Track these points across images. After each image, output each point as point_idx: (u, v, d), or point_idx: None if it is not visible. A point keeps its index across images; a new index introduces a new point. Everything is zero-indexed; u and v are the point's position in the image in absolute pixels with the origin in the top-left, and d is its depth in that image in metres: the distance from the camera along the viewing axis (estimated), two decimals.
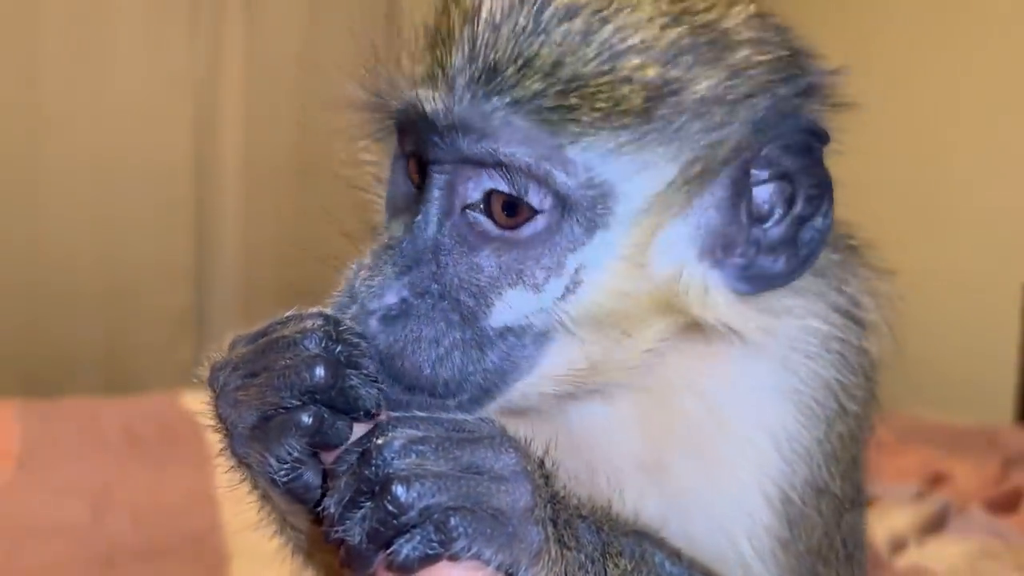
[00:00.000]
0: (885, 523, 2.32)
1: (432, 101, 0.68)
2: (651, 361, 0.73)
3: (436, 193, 0.69)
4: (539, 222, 0.67)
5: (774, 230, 0.71)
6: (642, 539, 0.71)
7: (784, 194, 0.71)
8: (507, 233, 0.68)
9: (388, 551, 0.58)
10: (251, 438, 0.64)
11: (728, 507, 0.77)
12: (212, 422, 0.68)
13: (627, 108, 0.65)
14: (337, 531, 0.59)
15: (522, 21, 0.66)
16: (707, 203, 0.69)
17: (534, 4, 0.67)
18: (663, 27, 0.67)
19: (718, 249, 0.70)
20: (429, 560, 0.58)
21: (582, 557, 0.66)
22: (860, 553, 0.86)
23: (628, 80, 0.65)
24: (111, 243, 3.94)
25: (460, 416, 0.65)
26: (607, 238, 0.67)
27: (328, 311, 0.68)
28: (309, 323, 0.65)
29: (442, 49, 0.69)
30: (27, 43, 3.77)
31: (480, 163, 0.67)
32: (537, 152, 0.65)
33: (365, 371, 0.64)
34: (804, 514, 0.78)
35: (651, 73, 0.65)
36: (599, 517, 0.69)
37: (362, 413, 0.63)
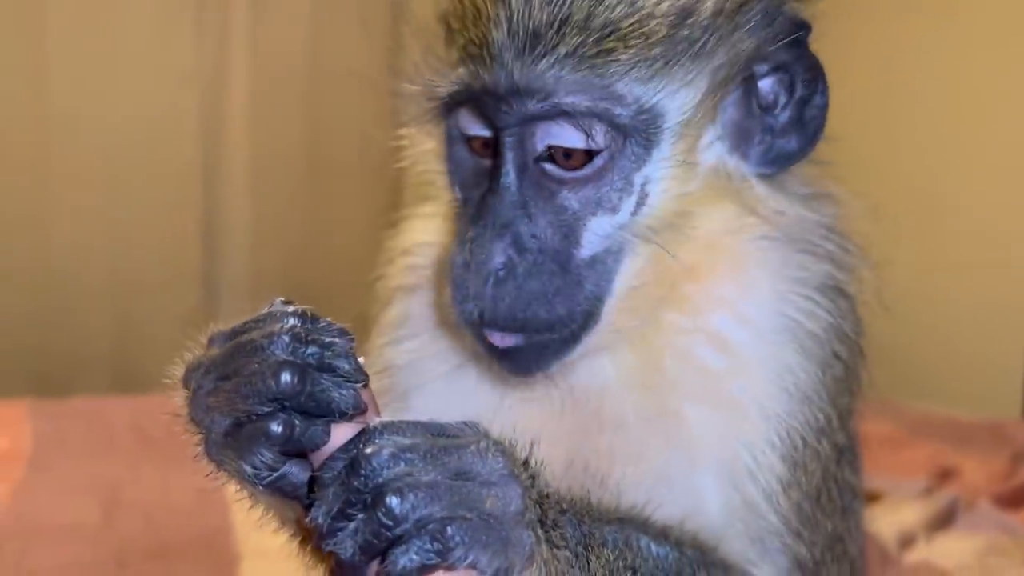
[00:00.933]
0: (894, 518, 2.32)
1: (487, 76, 0.78)
2: (656, 319, 0.82)
3: (509, 154, 0.79)
4: (602, 157, 0.78)
5: (782, 115, 0.83)
6: (625, 525, 0.72)
7: (784, 83, 0.83)
8: (575, 174, 0.78)
9: (383, 562, 0.57)
10: (224, 444, 0.64)
11: (735, 449, 0.80)
12: (187, 424, 0.67)
13: (655, 39, 0.77)
14: (328, 544, 0.58)
15: None
16: (728, 104, 0.82)
17: None
18: None
19: (741, 141, 0.82)
20: (426, 570, 0.58)
21: (568, 553, 0.67)
22: (856, 513, 0.89)
23: (651, 15, 0.77)
24: (120, 243, 3.94)
25: (444, 421, 0.65)
26: (662, 151, 0.79)
27: (304, 308, 0.67)
28: (278, 325, 0.64)
29: (479, 29, 0.79)
30: (35, 43, 3.77)
31: (546, 117, 0.77)
32: (591, 95, 0.77)
33: (339, 372, 0.63)
34: (805, 456, 0.82)
35: (666, 4, 0.77)
36: (580, 509, 0.70)
37: (338, 415, 0.62)
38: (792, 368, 0.83)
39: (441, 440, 0.62)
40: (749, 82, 0.82)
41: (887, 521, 2.29)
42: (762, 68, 0.82)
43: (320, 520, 0.59)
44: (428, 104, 0.85)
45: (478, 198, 0.81)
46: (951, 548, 2.23)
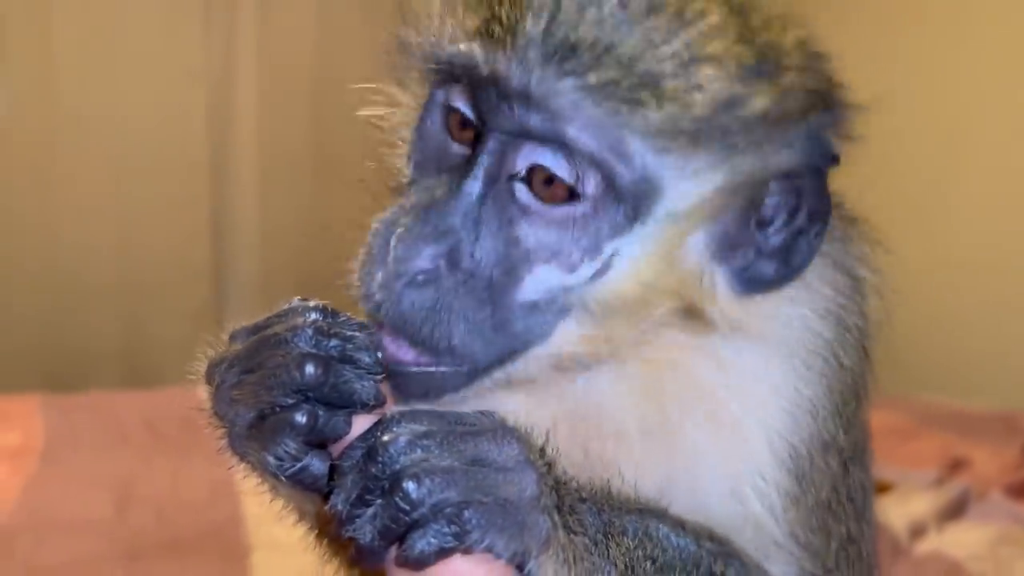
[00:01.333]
0: (905, 509, 2.32)
1: (501, 64, 0.68)
2: (656, 335, 0.76)
3: (487, 160, 0.70)
4: (583, 205, 0.69)
5: (774, 237, 0.74)
6: (645, 515, 0.72)
7: (788, 207, 0.73)
8: (546, 208, 0.69)
9: (401, 546, 0.58)
10: (248, 436, 0.65)
11: (737, 466, 0.78)
12: (211, 418, 0.69)
13: (692, 114, 0.67)
14: (347, 530, 0.59)
15: (609, 6, 0.67)
16: (731, 209, 0.72)
17: None
18: (735, 41, 0.68)
19: (727, 251, 0.73)
20: (443, 554, 0.59)
21: (586, 540, 0.67)
22: (869, 511, 0.87)
23: (699, 88, 0.67)
24: (129, 239, 3.96)
25: (461, 410, 0.65)
26: (646, 231, 0.70)
27: (325, 304, 0.67)
28: (301, 319, 0.65)
29: (514, 10, 0.69)
30: (43, 40, 3.78)
31: (543, 140, 0.69)
32: (602, 140, 0.67)
33: (360, 364, 0.65)
34: (812, 468, 0.79)
35: (721, 85, 0.67)
36: (600, 498, 0.70)
37: (360, 406, 0.64)
38: (794, 383, 0.79)
39: (458, 427, 0.63)
40: (759, 194, 0.73)
41: (898, 512, 2.29)
42: (777, 185, 0.73)
43: (340, 506, 0.60)
44: (420, 63, 0.76)
45: (430, 186, 0.73)
46: (962, 538, 2.23)
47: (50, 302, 3.87)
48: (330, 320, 0.66)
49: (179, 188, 4.00)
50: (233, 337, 0.70)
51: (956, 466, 2.65)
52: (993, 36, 3.21)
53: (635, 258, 0.70)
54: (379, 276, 0.69)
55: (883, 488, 2.36)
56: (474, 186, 0.70)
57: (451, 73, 0.73)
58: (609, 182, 0.68)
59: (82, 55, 3.82)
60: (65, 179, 3.85)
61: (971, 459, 2.68)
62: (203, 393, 0.70)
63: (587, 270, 0.70)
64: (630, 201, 0.68)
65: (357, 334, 0.66)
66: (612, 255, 0.70)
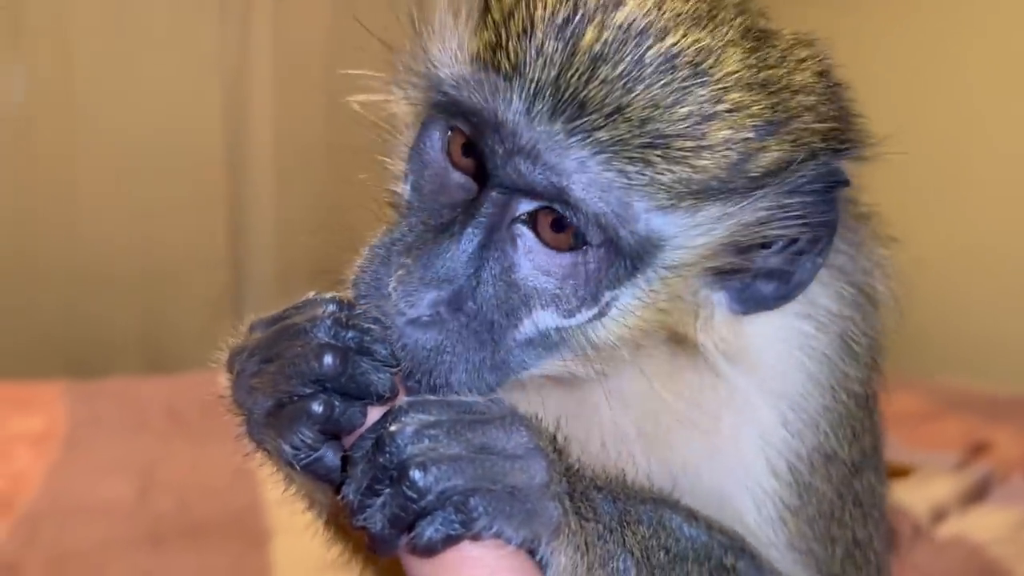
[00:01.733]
0: (926, 493, 2.31)
1: (507, 112, 0.66)
2: (651, 352, 0.75)
3: (488, 210, 0.68)
4: (584, 255, 0.68)
5: (773, 259, 0.71)
6: (659, 505, 0.71)
7: (790, 230, 0.70)
8: (550, 255, 0.68)
9: (411, 534, 0.59)
10: (266, 424, 0.65)
11: (731, 478, 0.77)
12: (230, 406, 0.69)
13: (701, 176, 0.65)
14: (358, 519, 0.60)
15: (623, 65, 0.64)
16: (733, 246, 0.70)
17: (635, 46, 0.64)
18: (749, 90, 0.66)
19: (725, 275, 0.72)
20: (451, 541, 0.59)
21: (600, 528, 0.66)
22: (878, 512, 0.86)
23: (710, 149, 0.65)
24: (147, 227, 3.99)
25: (470, 398, 0.65)
26: (646, 280, 0.69)
27: (342, 296, 0.68)
28: (319, 310, 0.66)
29: (522, 49, 0.66)
30: (59, 32, 3.80)
31: (545, 197, 0.67)
32: (607, 203, 0.65)
33: (377, 356, 0.65)
34: (813, 479, 0.78)
35: (733, 145, 0.65)
36: (614, 487, 0.70)
37: (375, 398, 0.64)
38: (793, 398, 0.77)
39: (466, 416, 0.63)
40: (762, 227, 0.70)
41: (919, 495, 2.28)
42: (781, 215, 0.70)
43: (351, 496, 0.60)
44: (421, 82, 0.73)
45: (429, 219, 0.71)
46: (984, 522, 2.21)
47: (72, 292, 3.91)
48: (348, 312, 0.66)
49: (196, 178, 4.02)
50: (253, 327, 0.70)
51: (978, 449, 2.63)
52: (1006, 22, 3.17)
53: (632, 304, 0.69)
54: (377, 310, 0.68)
55: (904, 472, 2.35)
56: (476, 234, 0.68)
57: (453, 112, 0.71)
58: (609, 241, 0.67)
59: (98, 47, 3.85)
60: (84, 170, 3.89)
61: (993, 442, 2.66)
62: (223, 381, 0.70)
63: (584, 315, 0.69)
64: (632, 256, 0.67)
65: (374, 326, 0.66)
66: (610, 301, 0.69)
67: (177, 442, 2.69)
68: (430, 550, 0.59)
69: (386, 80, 0.78)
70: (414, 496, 0.59)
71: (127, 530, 2.22)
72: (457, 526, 0.59)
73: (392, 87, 0.78)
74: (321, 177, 4.09)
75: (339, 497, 0.61)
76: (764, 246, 0.71)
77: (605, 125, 0.64)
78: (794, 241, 0.71)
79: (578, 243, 0.68)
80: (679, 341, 0.74)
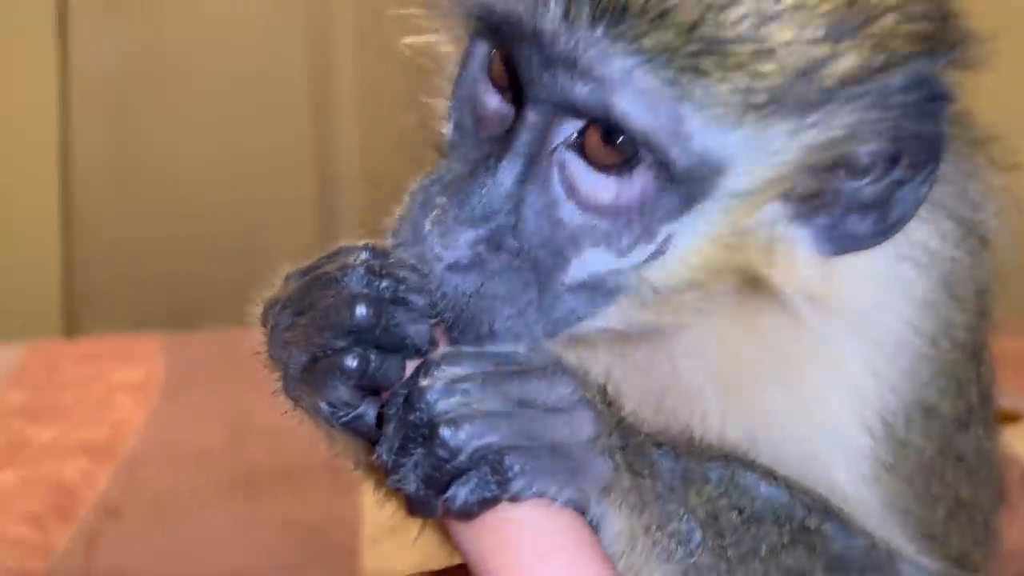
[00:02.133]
0: None
1: (546, 19, 0.59)
2: (726, 300, 0.68)
3: (526, 136, 0.63)
4: (636, 180, 0.61)
5: (868, 189, 0.63)
6: (731, 462, 0.66)
7: (887, 154, 0.63)
8: (597, 178, 0.62)
9: (445, 496, 0.55)
10: (302, 380, 0.63)
11: (820, 435, 0.71)
12: (266, 362, 0.66)
13: (763, 84, 0.58)
14: (393, 480, 0.56)
15: None
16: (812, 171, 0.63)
17: None
18: None
19: (808, 206, 0.64)
20: (488, 503, 0.55)
21: (659, 486, 0.61)
22: (985, 470, 0.79)
23: (772, 54, 0.57)
24: (238, 184, 4.08)
25: (509, 349, 0.60)
26: (705, 212, 0.62)
27: (376, 243, 0.64)
28: (351, 258, 0.62)
29: None
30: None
31: (588, 115, 0.61)
32: (656, 118, 0.58)
33: (413, 306, 0.60)
34: (910, 436, 0.72)
35: (798, 49, 0.58)
36: (677, 443, 0.65)
37: (413, 351, 0.60)
38: (887, 349, 0.70)
39: (504, 368, 0.58)
40: (848, 148, 0.62)
41: None
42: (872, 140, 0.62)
43: (384, 456, 0.57)
44: (458, 8, 0.68)
45: (469, 154, 0.66)
46: None
47: (171, 253, 4.04)
48: (381, 260, 0.62)
49: (284, 133, 4.09)
50: (288, 278, 0.67)
51: None
52: None
53: (694, 241, 0.62)
54: (414, 256, 0.63)
55: (1015, 417, 2.25)
56: (514, 164, 0.63)
57: (490, 23, 0.65)
58: (661, 164, 0.60)
59: (189, 14, 3.90)
60: (176, 132, 3.97)
61: None
62: (258, 336, 0.67)
63: (639, 254, 0.62)
64: (688, 183, 0.60)
65: (409, 274, 0.61)
66: (668, 238, 0.62)
67: (269, 390, 2.75)
68: (466, 513, 0.55)
69: (430, 15, 0.74)
70: (445, 456, 0.54)
71: (222, 475, 2.29)
72: (493, 487, 0.55)
73: (435, 21, 0.73)
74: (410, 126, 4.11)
75: (374, 457, 0.58)
76: (854, 175, 0.63)
77: (651, 29, 0.57)
78: (892, 168, 0.63)
79: (631, 158, 0.61)
80: (756, 285, 0.67)
